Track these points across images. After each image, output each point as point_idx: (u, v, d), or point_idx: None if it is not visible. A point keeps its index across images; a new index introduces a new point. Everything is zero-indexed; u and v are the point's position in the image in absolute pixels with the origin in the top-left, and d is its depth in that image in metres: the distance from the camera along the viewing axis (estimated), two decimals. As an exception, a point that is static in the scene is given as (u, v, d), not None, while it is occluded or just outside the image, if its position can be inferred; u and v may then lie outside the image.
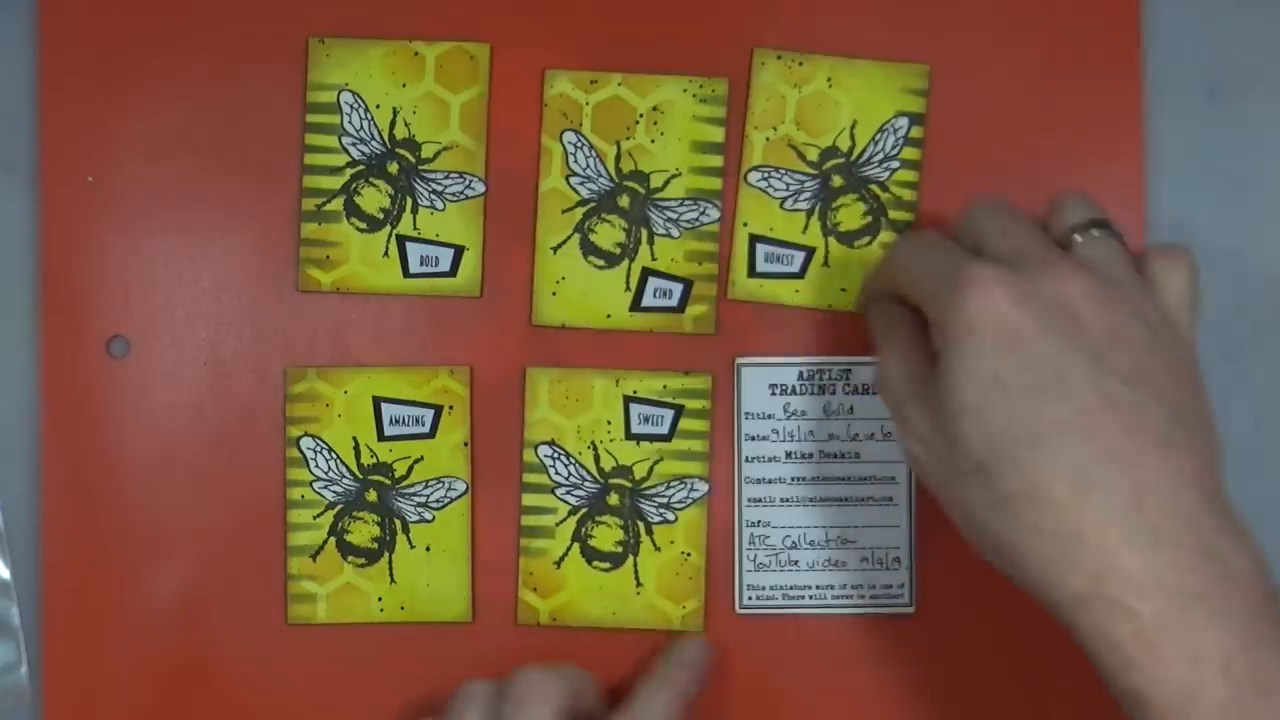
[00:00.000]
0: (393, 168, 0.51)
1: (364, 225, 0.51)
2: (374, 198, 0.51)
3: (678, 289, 0.51)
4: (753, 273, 0.51)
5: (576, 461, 0.51)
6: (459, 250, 0.51)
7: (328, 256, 0.51)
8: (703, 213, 0.51)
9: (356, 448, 0.51)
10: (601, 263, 0.51)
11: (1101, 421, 0.39)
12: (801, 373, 0.51)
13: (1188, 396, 0.41)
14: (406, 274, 0.51)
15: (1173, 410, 0.40)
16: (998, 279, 0.40)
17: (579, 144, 0.51)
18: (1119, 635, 0.38)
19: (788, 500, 0.51)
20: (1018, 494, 0.39)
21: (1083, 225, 0.43)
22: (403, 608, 0.51)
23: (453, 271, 0.51)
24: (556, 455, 0.51)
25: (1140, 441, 0.39)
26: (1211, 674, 0.37)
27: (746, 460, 0.50)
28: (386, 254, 0.51)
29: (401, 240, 0.51)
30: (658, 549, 0.51)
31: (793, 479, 0.51)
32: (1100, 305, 0.40)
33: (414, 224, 0.51)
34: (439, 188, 0.51)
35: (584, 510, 0.51)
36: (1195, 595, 0.38)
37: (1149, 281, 0.43)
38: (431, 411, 0.51)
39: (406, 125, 0.51)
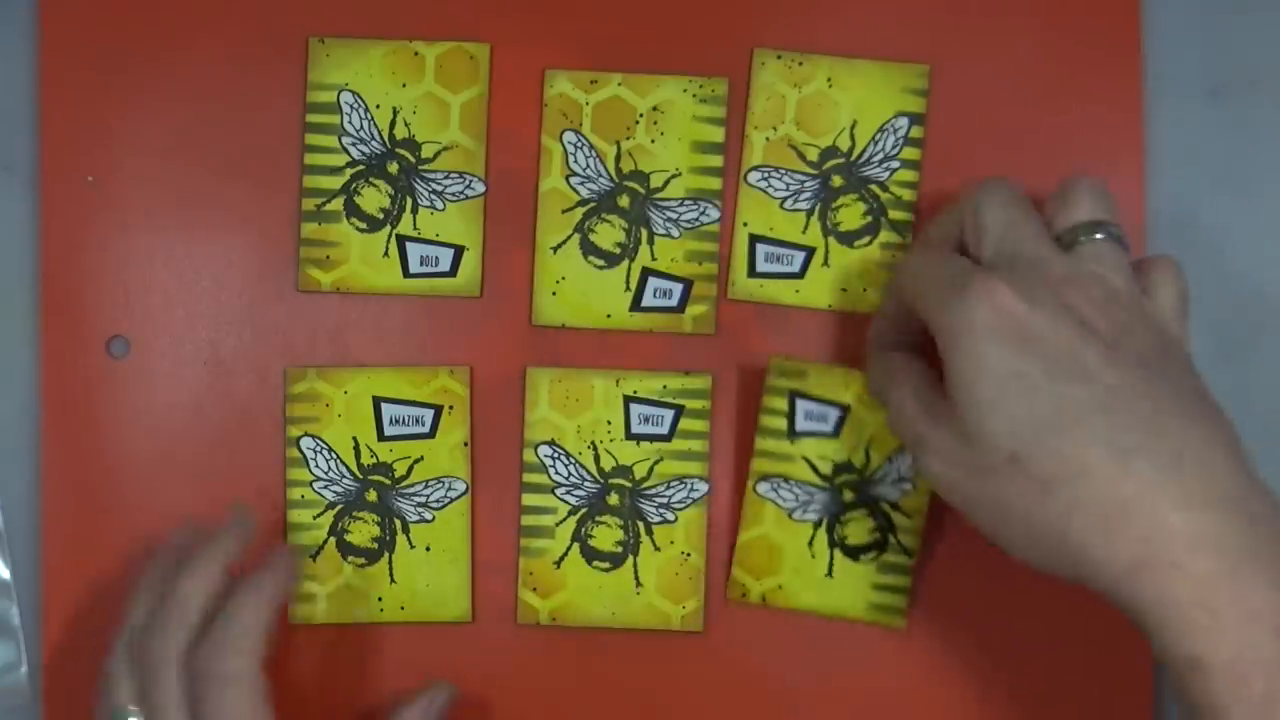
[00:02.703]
0: (393, 168, 0.51)
1: (364, 225, 0.51)
2: (374, 198, 0.51)
3: (678, 289, 0.51)
4: (753, 273, 0.51)
5: (576, 461, 0.51)
6: (459, 250, 0.51)
7: (328, 256, 0.51)
8: (703, 213, 0.51)
9: (356, 448, 0.51)
10: (601, 263, 0.51)
11: (1125, 398, 0.39)
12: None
13: (1198, 386, 0.42)
14: (406, 274, 0.51)
15: (1190, 390, 0.41)
16: (1004, 282, 0.41)
17: (579, 144, 0.51)
18: (1175, 596, 0.38)
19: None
20: (1055, 476, 0.39)
21: (1087, 226, 0.43)
22: (403, 608, 0.51)
23: (453, 271, 0.51)
24: (556, 455, 0.51)
25: (1166, 413, 0.39)
26: (1267, 631, 0.37)
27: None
28: (386, 254, 0.51)
29: (401, 240, 0.51)
30: (657, 549, 0.51)
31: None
32: (1104, 312, 0.41)
33: (414, 224, 0.51)
34: (439, 188, 0.51)
35: (584, 510, 0.51)
36: (1246, 552, 0.38)
37: (1144, 290, 0.43)
38: (431, 411, 0.51)
39: (406, 125, 0.51)
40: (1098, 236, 0.43)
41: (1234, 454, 0.40)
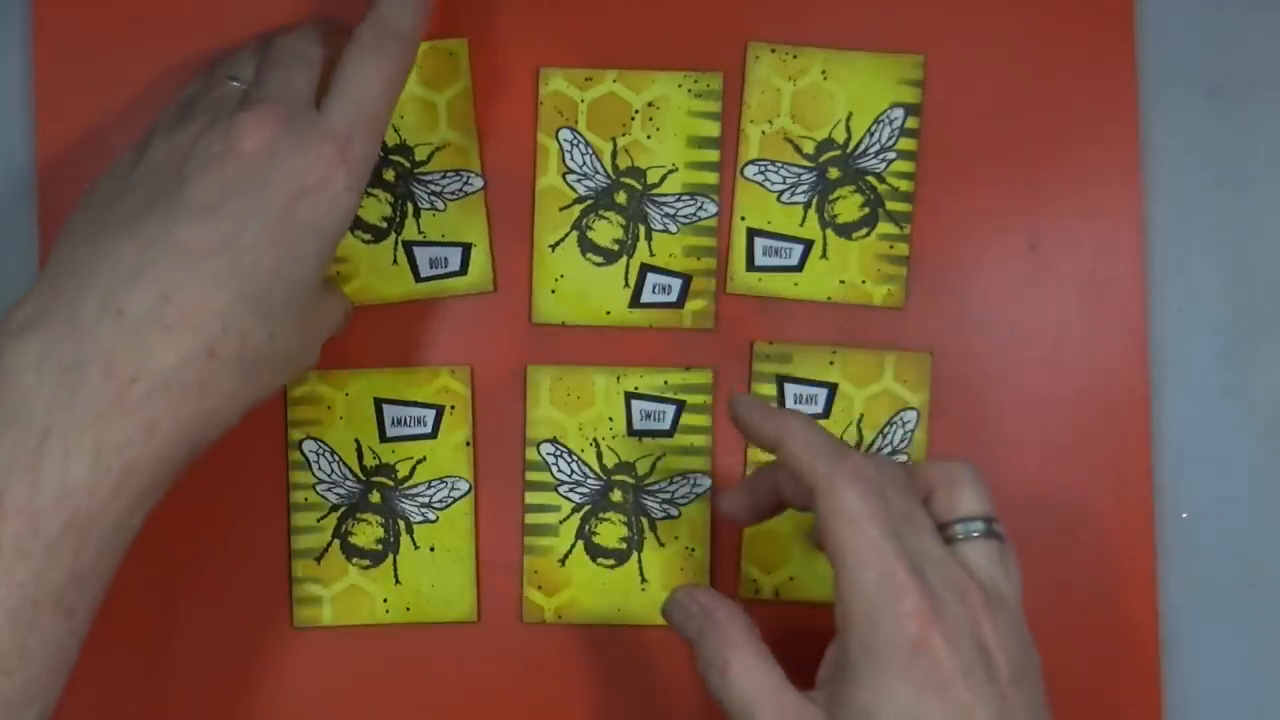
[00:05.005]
0: (389, 174, 0.51)
1: (369, 236, 0.51)
2: (375, 207, 0.51)
3: (677, 284, 0.51)
4: (751, 266, 0.51)
5: (579, 459, 0.51)
6: (466, 248, 0.51)
7: (338, 272, 0.51)
8: (700, 208, 0.51)
9: (359, 449, 0.51)
10: (600, 260, 0.51)
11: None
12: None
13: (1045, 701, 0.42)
14: (418, 279, 0.51)
15: (1043, 708, 0.42)
16: (920, 598, 0.39)
17: (575, 141, 0.51)
18: None
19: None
20: None
21: (969, 520, 0.42)
22: (408, 609, 0.51)
23: (463, 269, 0.51)
24: (559, 453, 0.51)
25: None
26: None
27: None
28: (395, 262, 0.51)
29: (409, 246, 0.51)
30: (662, 545, 0.51)
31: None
32: (993, 623, 0.40)
33: (418, 227, 0.51)
34: (437, 188, 0.51)
35: (587, 507, 0.51)
36: None
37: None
38: (433, 412, 0.51)
39: (396, 130, 0.51)
40: (974, 532, 0.42)
41: None
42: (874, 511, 0.40)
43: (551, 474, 0.51)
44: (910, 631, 0.39)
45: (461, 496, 0.51)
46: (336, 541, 0.51)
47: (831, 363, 0.51)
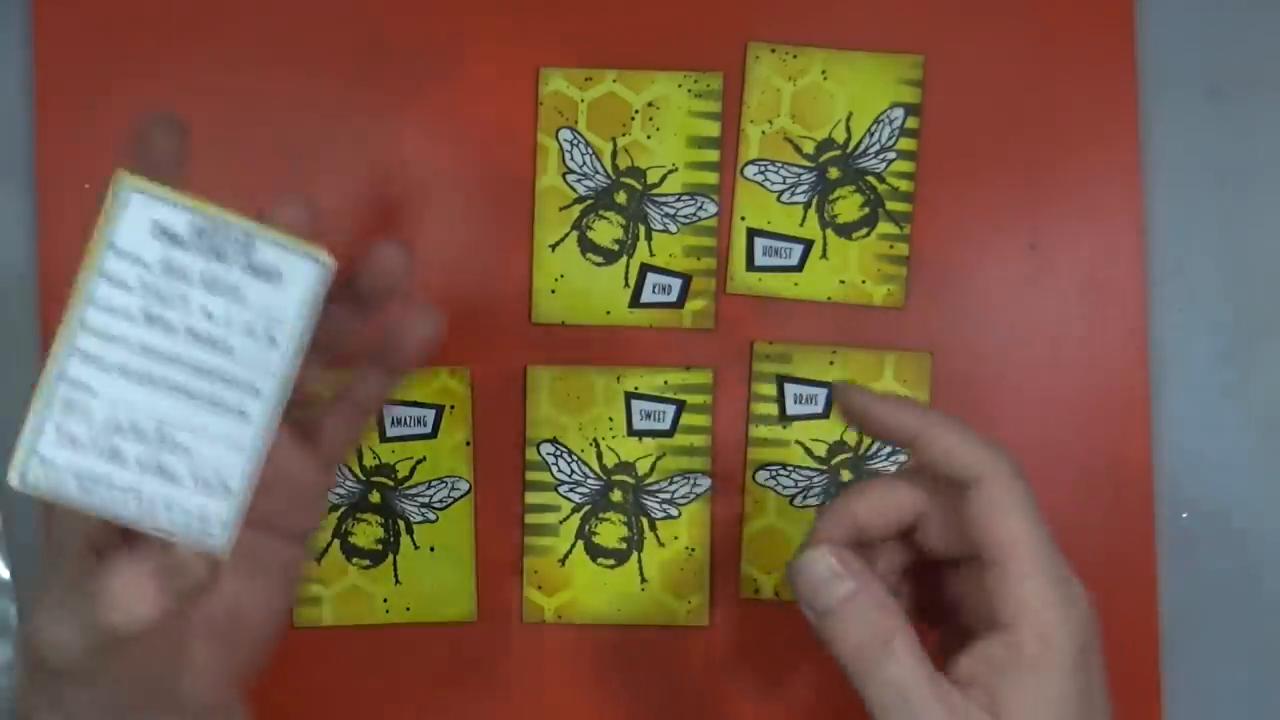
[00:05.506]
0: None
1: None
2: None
3: (677, 284, 0.51)
4: (751, 266, 0.51)
5: (579, 459, 0.51)
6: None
7: None
8: (700, 207, 0.51)
9: (359, 449, 0.51)
10: (600, 260, 0.51)
11: None
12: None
13: None
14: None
15: None
16: None
17: (575, 141, 0.51)
18: None
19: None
20: None
21: None
22: (408, 608, 0.51)
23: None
24: (559, 453, 0.51)
25: None
26: None
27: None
28: None
29: None
30: (662, 545, 0.51)
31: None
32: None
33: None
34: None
35: (587, 507, 0.51)
36: None
37: None
38: (433, 412, 0.51)
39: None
40: None
41: None
42: (1037, 508, 0.39)
43: (551, 474, 0.51)
44: (1088, 632, 0.38)
45: (461, 496, 0.51)
46: (336, 541, 0.51)
47: (831, 363, 0.51)
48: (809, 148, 0.51)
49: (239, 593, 0.39)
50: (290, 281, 0.34)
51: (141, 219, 0.33)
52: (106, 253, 0.33)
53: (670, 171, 0.51)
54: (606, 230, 0.51)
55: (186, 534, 0.33)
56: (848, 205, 0.51)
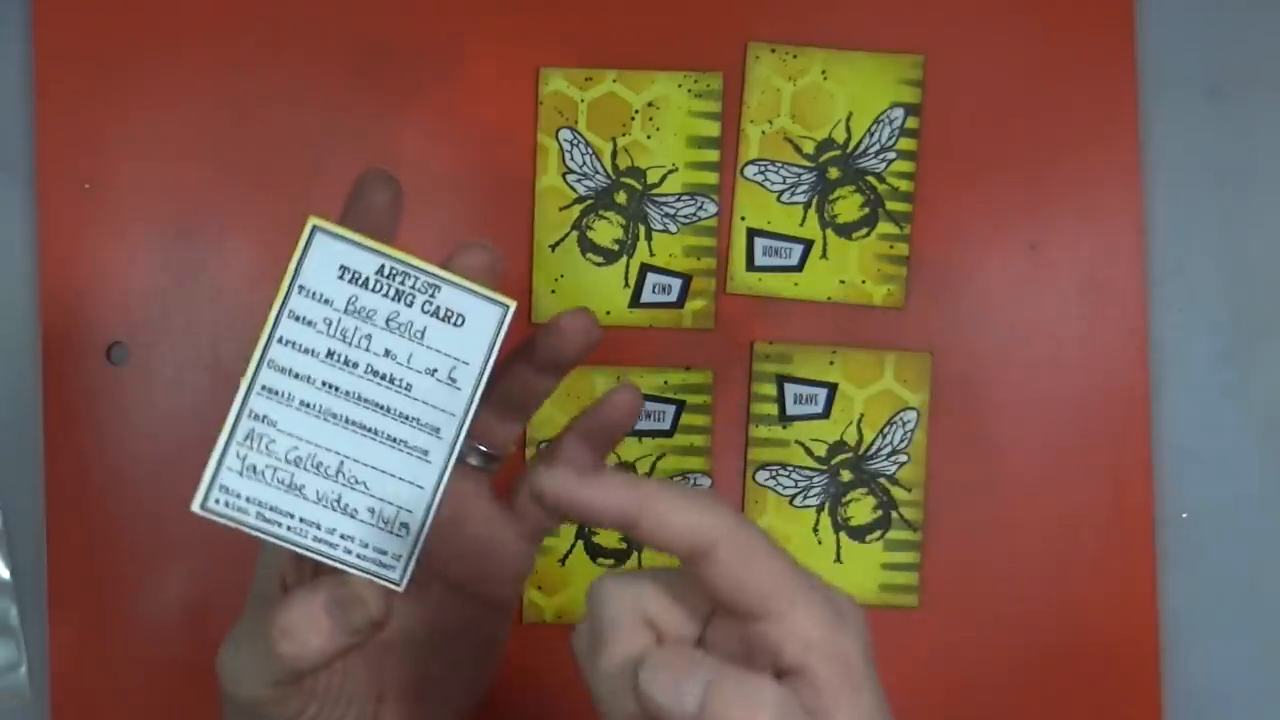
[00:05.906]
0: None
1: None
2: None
3: (677, 284, 0.51)
4: (751, 266, 0.51)
5: (579, 459, 0.51)
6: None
7: None
8: (700, 208, 0.51)
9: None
10: (600, 259, 0.51)
11: None
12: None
13: None
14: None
15: None
16: None
17: (575, 141, 0.51)
18: None
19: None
20: None
21: None
22: (408, 608, 0.51)
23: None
24: (559, 453, 0.51)
25: None
26: None
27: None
28: None
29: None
30: (662, 545, 0.51)
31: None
32: None
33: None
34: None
35: (587, 507, 0.51)
36: None
37: None
38: (433, 412, 0.51)
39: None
40: None
41: None
42: (774, 541, 0.34)
43: (551, 474, 0.51)
44: (868, 637, 0.34)
45: (461, 496, 0.51)
46: (336, 541, 0.51)
47: (831, 363, 0.51)
48: (809, 148, 0.51)
49: (436, 658, 0.39)
50: (473, 325, 0.34)
51: (329, 262, 0.33)
52: (294, 292, 0.34)
53: (670, 171, 0.51)
54: (606, 230, 0.51)
55: (362, 567, 0.34)
56: (848, 205, 0.51)
